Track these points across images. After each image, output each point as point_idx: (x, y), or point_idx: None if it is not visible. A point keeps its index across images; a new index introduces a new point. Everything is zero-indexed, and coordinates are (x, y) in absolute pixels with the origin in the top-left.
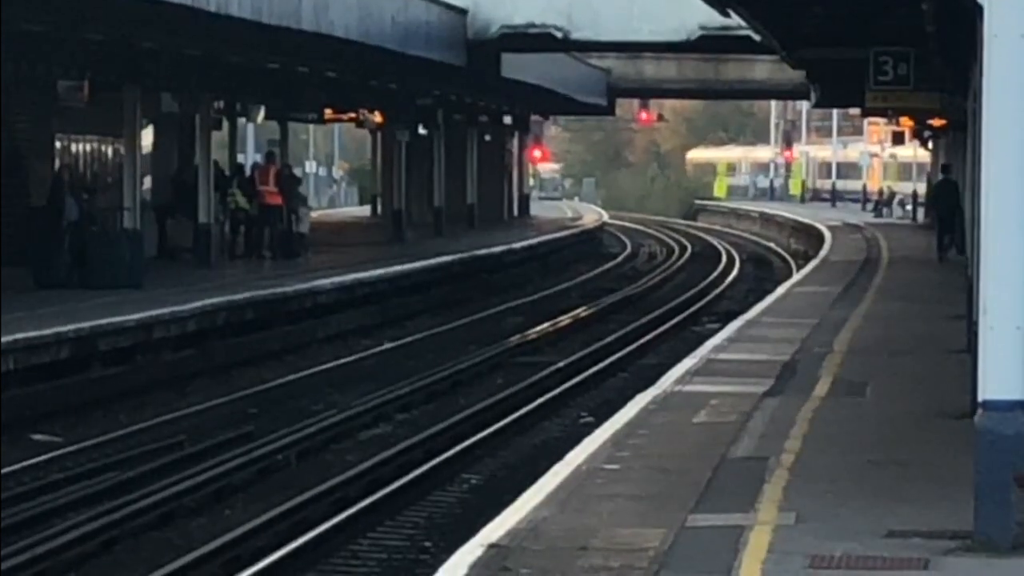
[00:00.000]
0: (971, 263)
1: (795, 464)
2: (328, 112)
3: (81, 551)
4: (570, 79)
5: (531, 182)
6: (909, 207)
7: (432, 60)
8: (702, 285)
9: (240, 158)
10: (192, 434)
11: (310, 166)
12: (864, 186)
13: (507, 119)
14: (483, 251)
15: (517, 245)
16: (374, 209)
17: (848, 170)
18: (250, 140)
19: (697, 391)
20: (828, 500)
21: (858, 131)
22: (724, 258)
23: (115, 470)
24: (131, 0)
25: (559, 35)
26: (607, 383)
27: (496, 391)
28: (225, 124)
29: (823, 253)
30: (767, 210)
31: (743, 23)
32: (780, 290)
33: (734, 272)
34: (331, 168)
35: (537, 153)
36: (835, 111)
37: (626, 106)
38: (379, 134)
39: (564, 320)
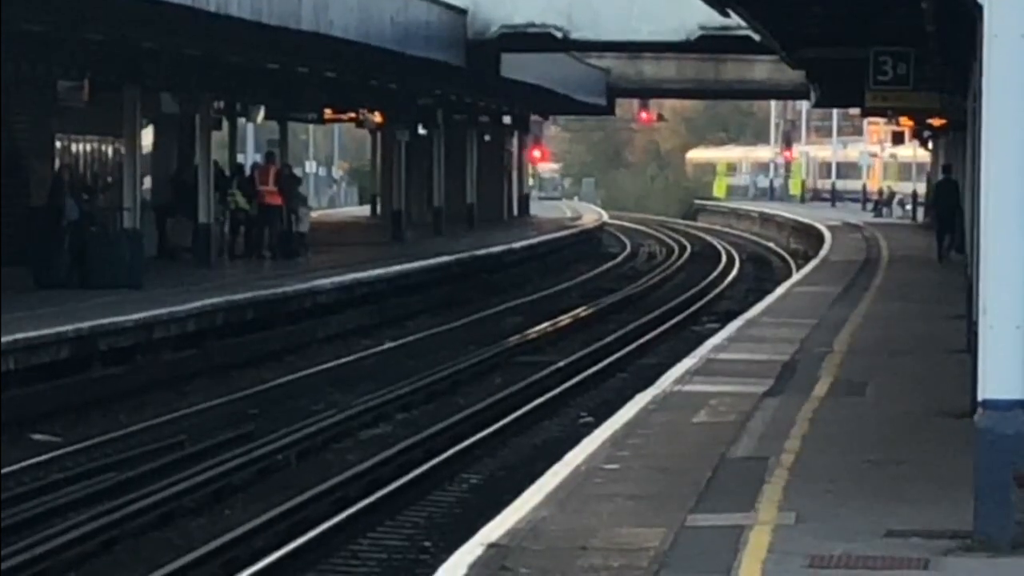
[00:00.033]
0: (971, 263)
1: (795, 464)
2: (328, 112)
3: (81, 551)
4: (570, 79)
5: (531, 182)
6: (909, 207)
7: (432, 60)
8: (702, 285)
9: (240, 158)
10: (192, 434)
11: (310, 166)
12: (864, 186)
13: (507, 119)
14: (483, 251)
15: (517, 245)
16: (374, 209)
17: (848, 170)
18: (250, 140)
19: (697, 391)
20: (828, 500)
21: (858, 131)
22: (724, 258)
23: (115, 470)
24: (131, 0)
25: (559, 35)
26: (607, 383)
27: (496, 391)
28: (225, 124)
29: (823, 253)
30: (767, 210)
31: (743, 23)
32: (780, 290)
33: (734, 272)
34: (331, 168)
35: (537, 153)
36: (835, 111)
37: (626, 106)
38: (379, 134)
39: (564, 320)
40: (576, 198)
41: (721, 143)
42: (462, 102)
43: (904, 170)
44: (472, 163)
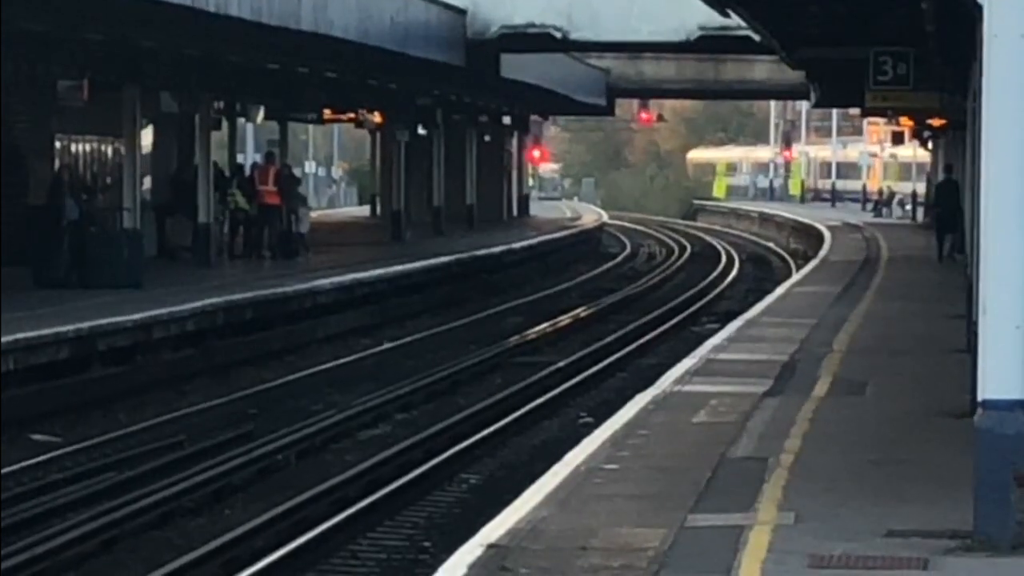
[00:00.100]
0: (971, 263)
1: (795, 464)
2: (328, 112)
3: (81, 551)
4: (569, 79)
5: (530, 182)
6: (908, 207)
7: (431, 60)
8: (701, 285)
9: (240, 158)
10: (192, 434)
11: (309, 166)
12: (864, 186)
13: (506, 119)
14: (482, 251)
15: (516, 245)
16: (373, 209)
17: (848, 170)
18: (250, 140)
19: (696, 391)
20: (828, 500)
21: (858, 131)
22: (724, 258)
23: (115, 470)
24: (131, 0)
25: (558, 35)
26: (606, 383)
27: (495, 391)
28: (225, 124)
29: (823, 253)
30: (767, 210)
31: (743, 23)
32: (780, 290)
33: (733, 272)
34: (330, 168)
35: (536, 153)
36: (835, 111)
37: (626, 106)
38: (378, 134)
39: (564, 320)
40: (576, 198)
41: (721, 143)
42: (462, 102)
43: (904, 170)
44: (472, 163)
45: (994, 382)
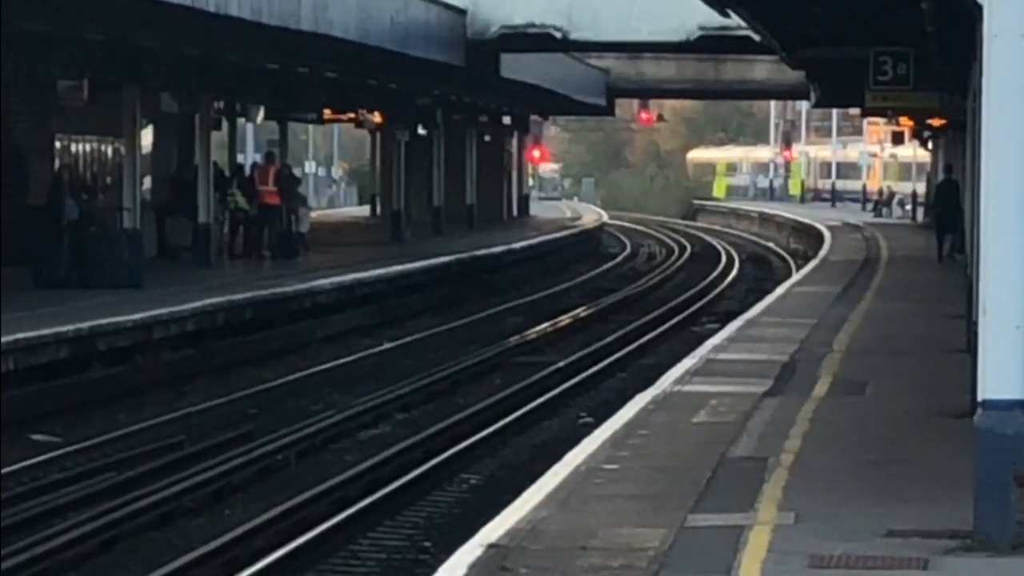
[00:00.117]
0: (971, 263)
1: (795, 464)
2: (327, 112)
3: (81, 551)
4: (569, 79)
5: (530, 182)
6: (908, 207)
7: (431, 60)
8: (701, 285)
9: (240, 158)
10: (192, 434)
11: (309, 166)
12: (864, 186)
13: (506, 119)
14: (482, 251)
15: (516, 245)
16: (373, 209)
17: (848, 170)
18: (250, 140)
19: (696, 391)
20: (828, 500)
21: (858, 131)
22: (724, 258)
23: (115, 470)
24: (131, 0)
25: (558, 35)
26: (606, 383)
27: (495, 391)
28: (225, 124)
29: (823, 253)
30: (766, 210)
31: (743, 23)
32: (780, 290)
33: (733, 272)
34: (330, 168)
35: (536, 153)
36: (835, 111)
37: (626, 106)
38: (378, 134)
39: (564, 320)
40: (576, 198)
41: (721, 143)
42: (462, 102)
43: (904, 170)
44: (472, 163)
45: (994, 382)
